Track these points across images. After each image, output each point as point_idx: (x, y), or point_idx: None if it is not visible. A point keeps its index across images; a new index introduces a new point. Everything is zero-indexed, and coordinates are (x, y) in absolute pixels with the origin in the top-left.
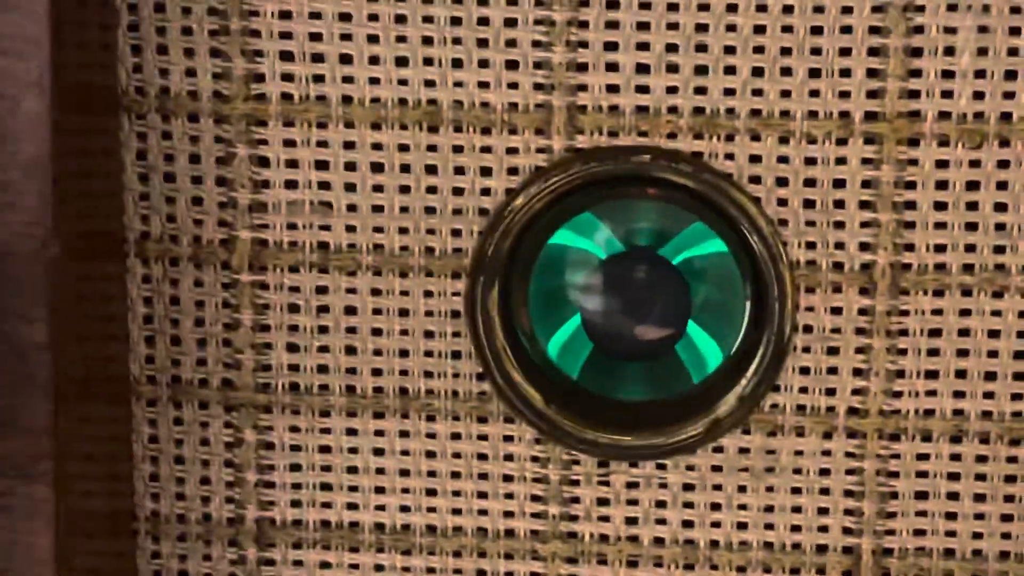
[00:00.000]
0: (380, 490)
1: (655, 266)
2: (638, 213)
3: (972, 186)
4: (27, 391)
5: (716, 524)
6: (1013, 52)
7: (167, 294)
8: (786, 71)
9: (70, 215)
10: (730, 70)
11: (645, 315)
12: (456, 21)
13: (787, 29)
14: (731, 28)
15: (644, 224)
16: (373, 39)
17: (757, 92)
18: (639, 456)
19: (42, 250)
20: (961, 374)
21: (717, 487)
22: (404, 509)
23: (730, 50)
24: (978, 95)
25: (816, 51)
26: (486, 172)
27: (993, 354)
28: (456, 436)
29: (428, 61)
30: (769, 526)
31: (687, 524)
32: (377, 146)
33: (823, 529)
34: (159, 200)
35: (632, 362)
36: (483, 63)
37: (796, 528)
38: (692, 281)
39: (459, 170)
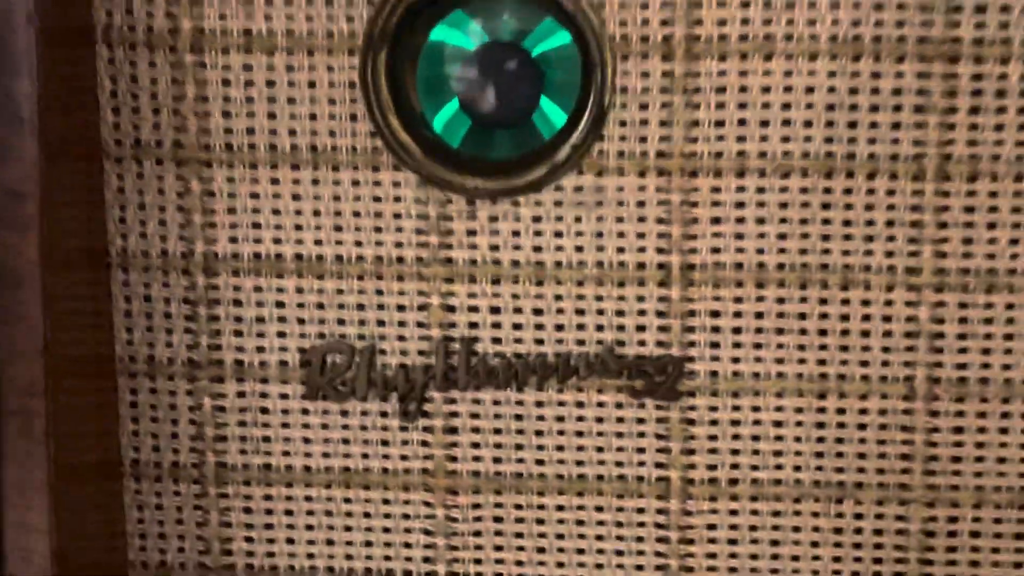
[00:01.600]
0: (298, 227)
1: (515, 55)
2: (501, 11)
3: None
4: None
5: (559, 248)
6: None
7: (128, 75)
8: None
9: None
10: None
11: (508, 94)
12: None
13: None
14: None
15: (507, 21)
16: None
17: None
18: (498, 195)
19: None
20: (742, 122)
21: (559, 218)
22: (317, 243)
23: None
24: None
25: None
26: None
27: (766, 106)
28: (356, 183)
29: None
30: (600, 248)
31: (536, 249)
32: None
33: (642, 250)
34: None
35: (499, 130)
36: None
37: (621, 250)
38: (544, 66)
39: None
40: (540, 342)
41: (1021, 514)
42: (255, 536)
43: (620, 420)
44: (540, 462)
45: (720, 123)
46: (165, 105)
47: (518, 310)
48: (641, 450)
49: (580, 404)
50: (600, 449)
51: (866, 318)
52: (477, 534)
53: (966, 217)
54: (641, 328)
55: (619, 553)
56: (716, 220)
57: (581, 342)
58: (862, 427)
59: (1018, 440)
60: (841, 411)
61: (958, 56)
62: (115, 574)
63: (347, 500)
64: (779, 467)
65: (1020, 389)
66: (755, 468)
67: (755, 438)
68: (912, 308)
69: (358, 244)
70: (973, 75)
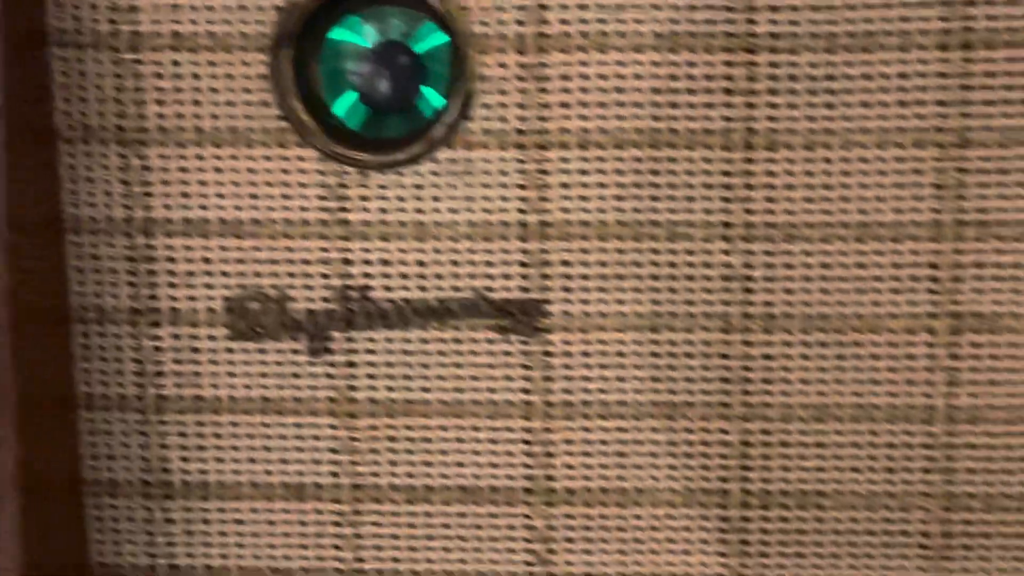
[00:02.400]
0: (220, 196)
1: (402, 52)
2: (389, 16)
3: None
4: None
5: (437, 210)
6: None
7: (76, 71)
8: None
9: None
10: None
11: (396, 84)
12: None
13: None
14: None
15: (395, 24)
16: None
17: None
18: (385, 167)
19: None
20: (584, 104)
21: (436, 186)
22: (237, 208)
23: None
24: None
25: None
26: None
27: (603, 91)
28: (267, 158)
29: None
30: (470, 210)
31: (418, 211)
32: None
33: (504, 211)
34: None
35: (391, 115)
36: None
37: (487, 211)
38: (426, 61)
39: None
40: (423, 289)
41: (820, 427)
42: (189, 456)
43: (491, 354)
44: (425, 390)
45: (565, 105)
46: (108, 96)
47: (404, 263)
48: (509, 378)
49: (457, 340)
50: (475, 378)
51: (689, 265)
52: (374, 451)
53: (768, 180)
54: (506, 276)
55: (493, 465)
56: (565, 185)
57: (457, 288)
58: (689, 356)
59: (817, 364)
60: (672, 343)
61: (756, 48)
62: (70, 487)
63: (265, 425)
64: (622, 391)
65: (818, 323)
66: (603, 392)
67: (602, 367)
68: (727, 256)
69: (270, 209)
70: (770, 63)
